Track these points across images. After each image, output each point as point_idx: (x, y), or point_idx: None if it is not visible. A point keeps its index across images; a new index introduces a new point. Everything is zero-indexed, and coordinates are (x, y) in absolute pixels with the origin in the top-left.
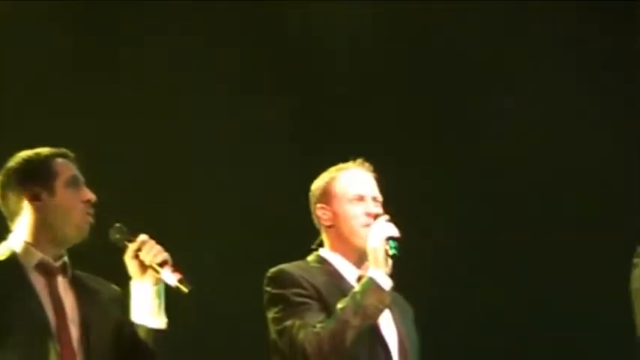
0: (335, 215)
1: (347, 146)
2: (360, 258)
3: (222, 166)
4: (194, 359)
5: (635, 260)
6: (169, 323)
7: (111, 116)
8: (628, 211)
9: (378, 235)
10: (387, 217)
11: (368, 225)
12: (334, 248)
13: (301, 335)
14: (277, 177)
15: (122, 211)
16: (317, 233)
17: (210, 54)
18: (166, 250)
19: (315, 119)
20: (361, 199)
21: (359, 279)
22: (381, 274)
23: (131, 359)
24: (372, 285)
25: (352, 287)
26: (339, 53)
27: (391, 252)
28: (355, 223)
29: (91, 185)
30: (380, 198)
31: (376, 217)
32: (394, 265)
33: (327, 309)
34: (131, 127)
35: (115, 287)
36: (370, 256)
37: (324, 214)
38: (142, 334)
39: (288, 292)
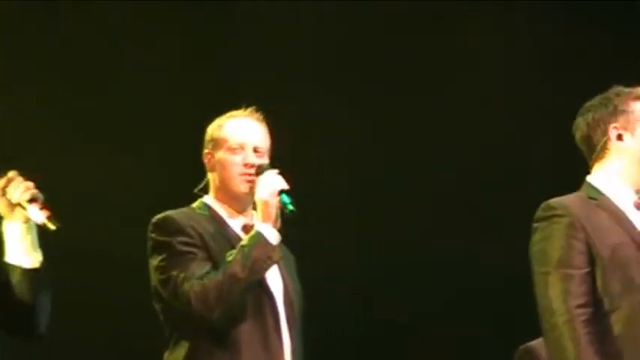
0: (217, 162)
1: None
2: (242, 206)
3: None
4: (75, 297)
5: (535, 225)
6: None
7: None
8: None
9: (268, 187)
10: (274, 170)
11: (244, 175)
12: (217, 195)
13: (186, 286)
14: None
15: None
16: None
17: None
18: (37, 187)
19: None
20: (241, 148)
21: (244, 227)
22: (269, 228)
23: (5, 302)
24: (260, 239)
25: (238, 236)
26: None
27: (289, 208)
28: (232, 172)
29: None
30: (264, 148)
31: (255, 167)
32: (286, 219)
33: (213, 258)
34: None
35: None
36: (259, 209)
37: (209, 160)
38: (18, 275)
39: (174, 240)
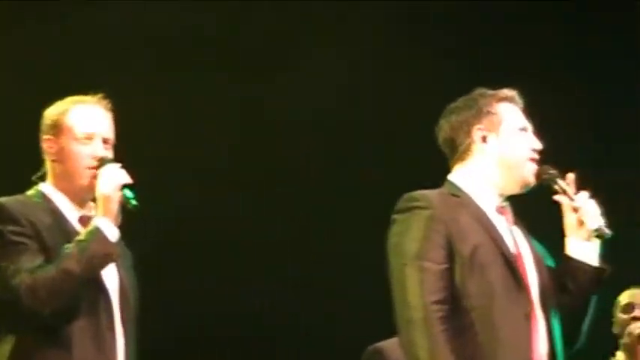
0: (61, 151)
1: None
2: (82, 199)
3: None
4: None
5: (394, 216)
6: None
7: None
8: None
9: (110, 181)
10: (117, 164)
11: (91, 167)
12: (57, 185)
13: (17, 279)
14: None
15: None
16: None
17: None
18: None
19: None
20: (89, 138)
21: (80, 219)
22: (108, 223)
23: None
24: (98, 235)
25: (74, 229)
26: None
27: (131, 203)
28: (79, 164)
29: None
30: (112, 140)
31: (101, 160)
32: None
33: (46, 250)
34: None
35: None
36: (100, 204)
37: (51, 147)
38: None
39: (5, 229)
